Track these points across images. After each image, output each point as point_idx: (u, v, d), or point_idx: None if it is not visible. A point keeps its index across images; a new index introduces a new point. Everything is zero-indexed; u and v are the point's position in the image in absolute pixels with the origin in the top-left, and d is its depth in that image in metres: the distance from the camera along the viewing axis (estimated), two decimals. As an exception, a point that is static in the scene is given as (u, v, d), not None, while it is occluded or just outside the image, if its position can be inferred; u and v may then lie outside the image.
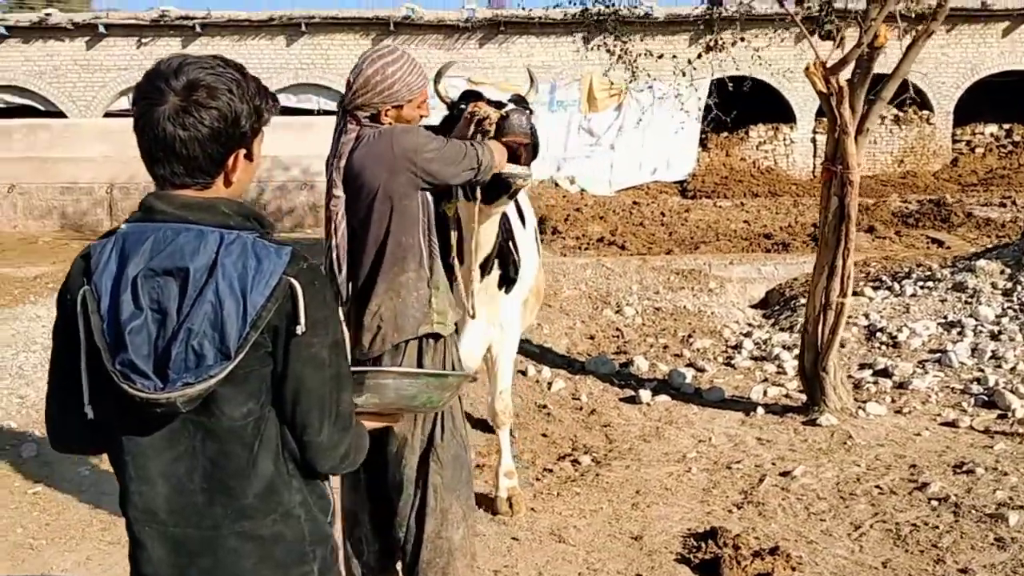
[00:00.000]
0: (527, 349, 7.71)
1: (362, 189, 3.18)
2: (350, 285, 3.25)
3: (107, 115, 19.07)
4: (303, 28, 20.18)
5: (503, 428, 4.88)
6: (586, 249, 12.44)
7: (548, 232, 13.41)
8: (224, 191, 1.86)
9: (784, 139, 21.20)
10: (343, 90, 3.35)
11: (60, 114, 19.51)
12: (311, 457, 1.89)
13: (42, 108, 19.87)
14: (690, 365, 7.44)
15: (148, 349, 1.71)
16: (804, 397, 6.37)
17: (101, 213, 13.65)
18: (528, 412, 6.47)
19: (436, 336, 3.28)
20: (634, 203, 17.04)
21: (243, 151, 1.85)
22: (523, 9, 20.34)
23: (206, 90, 1.76)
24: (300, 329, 1.79)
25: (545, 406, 6.55)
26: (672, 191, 19.80)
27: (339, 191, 3.19)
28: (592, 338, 8.23)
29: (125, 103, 19.43)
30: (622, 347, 7.97)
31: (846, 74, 6.03)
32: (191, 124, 1.75)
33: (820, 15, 8.79)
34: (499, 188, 3.61)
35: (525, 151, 3.58)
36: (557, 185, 20.29)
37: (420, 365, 3.31)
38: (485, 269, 4.19)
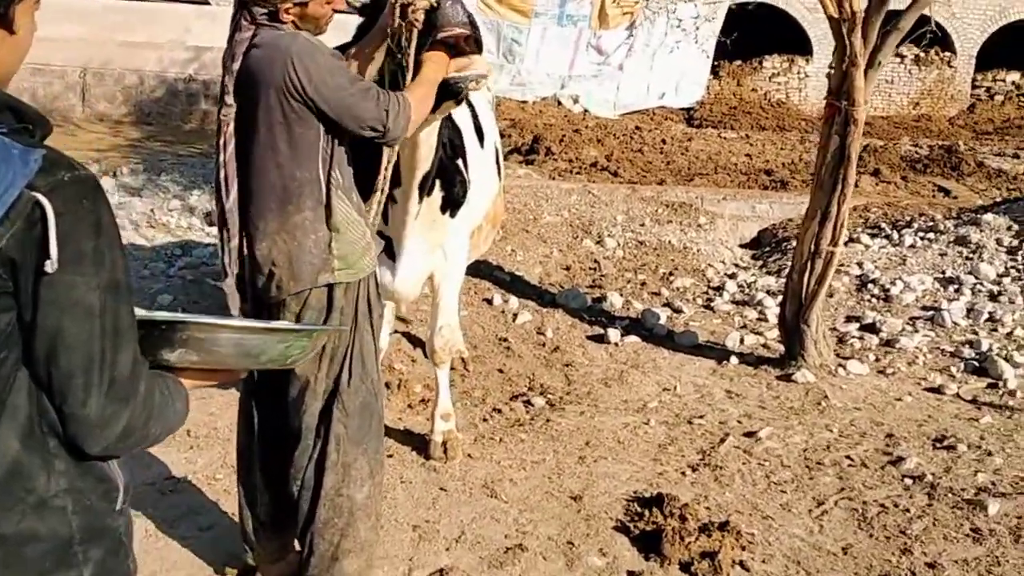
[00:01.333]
0: (496, 276, 7.24)
1: (253, 104, 2.67)
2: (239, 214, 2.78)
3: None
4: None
5: (442, 366, 4.43)
6: (577, 173, 11.82)
7: (541, 153, 12.79)
8: None
9: (799, 72, 20.34)
10: None
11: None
12: (74, 434, 1.44)
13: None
14: (667, 305, 6.98)
15: None
16: (782, 348, 5.92)
17: (74, 98, 12.84)
18: (487, 344, 6.03)
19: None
20: (636, 128, 16.35)
21: None
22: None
23: None
24: (51, 265, 1.33)
25: (506, 339, 6.10)
26: (678, 118, 19.02)
27: (231, 99, 2.69)
28: (568, 269, 7.74)
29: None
30: (598, 281, 7.49)
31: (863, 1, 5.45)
32: None
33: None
34: (445, 93, 3.05)
35: (468, 45, 3.01)
36: (560, 104, 19.54)
37: (329, 310, 2.86)
38: (424, 189, 3.69)
